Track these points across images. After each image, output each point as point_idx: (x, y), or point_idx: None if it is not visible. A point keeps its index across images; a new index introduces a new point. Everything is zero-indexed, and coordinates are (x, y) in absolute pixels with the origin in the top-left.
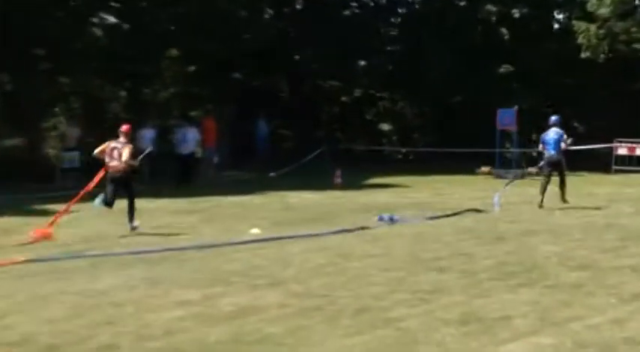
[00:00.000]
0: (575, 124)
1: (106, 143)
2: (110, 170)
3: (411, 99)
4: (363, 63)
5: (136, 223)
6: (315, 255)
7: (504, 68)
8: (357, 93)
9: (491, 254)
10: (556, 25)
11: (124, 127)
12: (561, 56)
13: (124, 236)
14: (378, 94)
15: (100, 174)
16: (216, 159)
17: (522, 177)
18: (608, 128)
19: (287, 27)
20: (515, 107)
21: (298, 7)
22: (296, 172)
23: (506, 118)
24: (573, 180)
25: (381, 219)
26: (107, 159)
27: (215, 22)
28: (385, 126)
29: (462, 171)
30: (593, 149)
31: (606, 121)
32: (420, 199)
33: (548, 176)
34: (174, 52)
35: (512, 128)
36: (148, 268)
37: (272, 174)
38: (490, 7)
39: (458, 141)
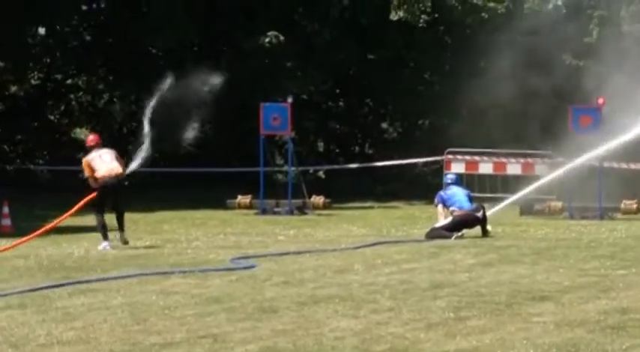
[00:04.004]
0: (384, 126)
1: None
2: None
3: (122, 88)
4: (42, 30)
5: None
6: None
7: (271, 37)
8: (35, 80)
9: (254, 335)
10: None
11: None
12: (358, 19)
13: None
14: (68, 81)
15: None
16: None
17: (302, 210)
18: (435, 131)
19: None
20: (289, 99)
21: None
22: None
23: (275, 117)
24: (382, 213)
25: None
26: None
27: None
28: (82, 133)
29: (207, 204)
30: (412, 165)
31: (432, 119)
32: (139, 251)
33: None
34: None
35: (285, 133)
36: None
37: None
38: None
39: (198, 154)
